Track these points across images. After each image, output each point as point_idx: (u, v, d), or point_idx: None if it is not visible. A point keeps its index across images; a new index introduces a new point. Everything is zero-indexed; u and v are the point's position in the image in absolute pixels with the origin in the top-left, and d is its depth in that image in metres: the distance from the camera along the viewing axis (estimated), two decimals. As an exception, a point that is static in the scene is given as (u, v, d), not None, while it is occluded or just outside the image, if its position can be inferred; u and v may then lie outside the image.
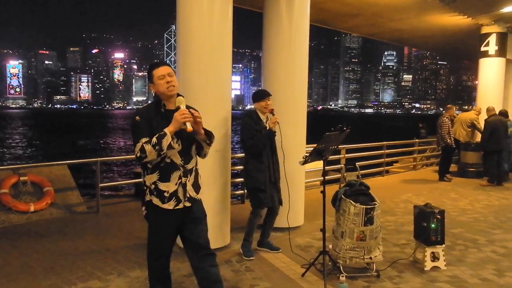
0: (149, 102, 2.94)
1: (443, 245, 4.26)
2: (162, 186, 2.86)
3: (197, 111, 2.90)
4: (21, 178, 6.11)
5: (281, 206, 4.68)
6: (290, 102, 5.45)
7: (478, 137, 10.49)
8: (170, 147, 2.75)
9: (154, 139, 2.71)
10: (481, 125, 10.22)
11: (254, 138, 4.39)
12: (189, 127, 2.74)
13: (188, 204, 2.92)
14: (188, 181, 2.92)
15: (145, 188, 2.92)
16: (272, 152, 4.53)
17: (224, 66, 4.66)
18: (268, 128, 4.44)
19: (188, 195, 2.92)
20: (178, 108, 2.80)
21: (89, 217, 6.23)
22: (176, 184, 2.87)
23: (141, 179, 8.25)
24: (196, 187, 2.99)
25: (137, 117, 2.82)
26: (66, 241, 5.09)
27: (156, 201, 2.87)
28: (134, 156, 2.82)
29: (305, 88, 5.67)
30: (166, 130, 2.73)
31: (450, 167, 10.03)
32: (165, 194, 2.86)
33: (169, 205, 2.87)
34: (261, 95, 4.55)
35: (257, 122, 4.48)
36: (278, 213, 4.71)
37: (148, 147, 2.71)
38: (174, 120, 2.74)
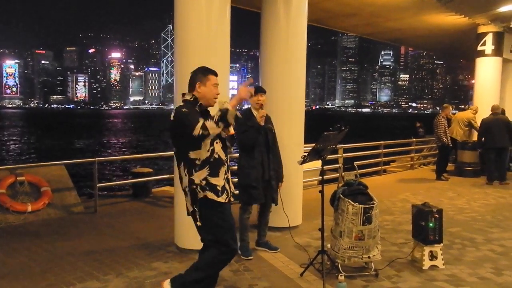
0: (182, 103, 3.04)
1: (441, 244, 4.26)
2: (213, 180, 2.94)
3: None
4: (18, 178, 6.08)
5: (275, 205, 4.67)
6: (287, 102, 5.45)
7: (476, 136, 10.53)
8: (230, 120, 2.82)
9: (217, 116, 2.80)
10: (478, 124, 10.27)
11: (243, 136, 4.40)
12: (232, 130, 2.99)
13: (232, 198, 3.06)
14: (229, 176, 3.07)
15: (194, 187, 2.93)
16: (267, 149, 4.53)
17: (222, 66, 4.64)
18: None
19: (232, 190, 3.05)
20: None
21: (86, 218, 6.21)
22: (223, 179, 3.00)
23: (138, 180, 8.15)
24: None
25: (185, 109, 2.91)
26: (64, 241, 5.07)
27: (211, 195, 2.93)
28: (195, 133, 2.77)
29: (302, 88, 5.67)
30: (228, 106, 2.82)
31: (447, 166, 10.07)
32: (218, 188, 2.94)
33: (223, 199, 2.95)
34: (255, 90, 4.58)
35: (250, 118, 4.48)
36: (270, 211, 4.71)
37: (209, 123, 2.78)
38: (238, 96, 2.91)
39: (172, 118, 2.95)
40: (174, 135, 2.99)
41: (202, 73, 3.06)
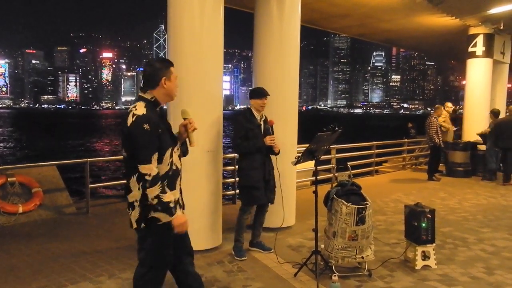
0: (140, 102, 2.64)
1: (434, 244, 4.29)
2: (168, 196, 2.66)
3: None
4: (9, 179, 6.02)
5: (271, 204, 4.66)
6: (281, 102, 5.45)
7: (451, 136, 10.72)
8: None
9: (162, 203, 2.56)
10: (448, 122, 10.36)
11: (243, 144, 4.38)
12: (194, 142, 2.83)
13: (183, 209, 2.86)
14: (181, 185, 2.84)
15: (148, 203, 2.57)
16: (267, 150, 4.49)
17: (215, 66, 4.64)
18: (262, 128, 4.48)
19: (182, 200, 2.86)
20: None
21: (78, 218, 6.17)
22: (178, 190, 2.78)
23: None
24: None
25: (146, 126, 2.51)
26: (55, 242, 5.03)
27: (164, 216, 2.63)
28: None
29: (296, 88, 5.68)
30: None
31: (439, 167, 10.13)
32: (171, 204, 2.62)
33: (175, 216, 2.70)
34: (260, 93, 4.52)
35: (250, 120, 4.47)
36: (267, 211, 4.70)
37: (158, 187, 2.52)
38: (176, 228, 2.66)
39: (129, 125, 2.53)
40: (128, 144, 2.58)
41: (165, 66, 2.70)
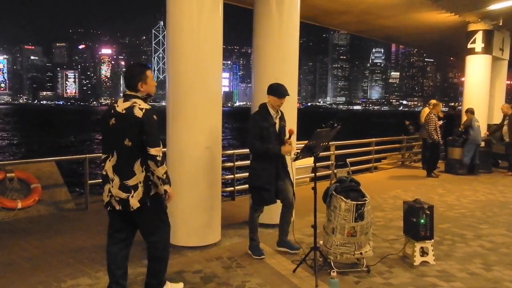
0: (136, 99, 3.18)
1: (432, 240, 4.30)
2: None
3: None
4: (7, 175, 6.01)
5: (294, 200, 4.53)
6: (280, 99, 5.43)
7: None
8: None
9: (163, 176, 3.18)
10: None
11: (257, 145, 4.25)
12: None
13: None
14: None
15: (150, 183, 3.12)
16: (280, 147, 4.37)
17: (214, 63, 4.63)
18: (278, 127, 4.38)
19: None
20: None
21: (77, 214, 6.17)
22: None
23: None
24: None
25: (155, 116, 3.09)
26: (54, 238, 5.03)
27: (168, 188, 3.17)
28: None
29: (295, 85, 5.67)
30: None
31: (437, 163, 10.15)
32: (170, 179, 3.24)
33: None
34: (279, 92, 4.32)
35: (266, 118, 4.32)
36: (293, 206, 4.54)
37: (165, 165, 3.17)
38: None
39: (140, 117, 3.02)
40: (136, 133, 3.04)
41: (141, 72, 3.19)
